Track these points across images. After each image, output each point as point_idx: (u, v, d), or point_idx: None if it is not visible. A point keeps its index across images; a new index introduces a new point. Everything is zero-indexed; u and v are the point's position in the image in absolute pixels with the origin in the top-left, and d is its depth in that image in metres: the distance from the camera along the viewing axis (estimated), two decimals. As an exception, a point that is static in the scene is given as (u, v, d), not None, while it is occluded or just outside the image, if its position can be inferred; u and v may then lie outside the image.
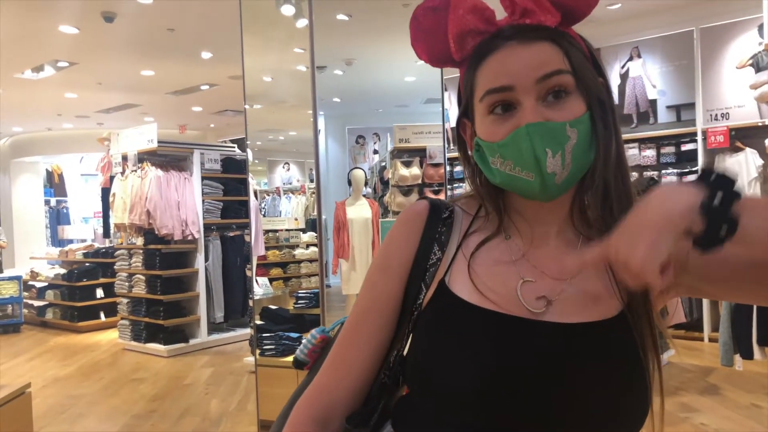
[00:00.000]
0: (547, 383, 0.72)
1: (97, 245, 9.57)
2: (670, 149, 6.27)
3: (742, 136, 5.78)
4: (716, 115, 5.93)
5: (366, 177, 7.31)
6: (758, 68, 5.50)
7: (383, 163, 7.53)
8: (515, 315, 0.76)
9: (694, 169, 6.05)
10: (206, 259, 6.94)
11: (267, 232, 6.74)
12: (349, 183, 6.65)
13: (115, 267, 7.33)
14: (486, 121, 0.78)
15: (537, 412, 0.71)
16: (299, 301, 4.55)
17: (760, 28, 5.51)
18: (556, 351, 0.74)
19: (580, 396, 0.72)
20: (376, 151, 11.60)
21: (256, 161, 10.37)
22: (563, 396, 0.72)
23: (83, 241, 10.93)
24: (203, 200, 6.90)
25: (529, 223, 0.83)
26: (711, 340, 5.80)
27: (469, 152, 0.85)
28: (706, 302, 5.86)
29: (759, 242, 0.63)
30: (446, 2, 0.80)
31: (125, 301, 7.07)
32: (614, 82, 6.58)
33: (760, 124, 5.62)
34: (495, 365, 0.73)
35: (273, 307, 4.54)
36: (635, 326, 0.75)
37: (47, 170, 12.79)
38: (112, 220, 7.02)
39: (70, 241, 11.28)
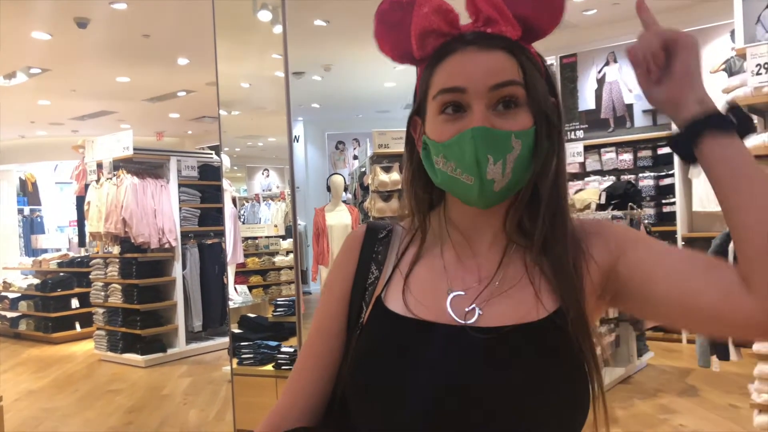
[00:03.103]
0: (474, 385, 0.73)
1: (72, 254, 9.41)
2: (647, 153, 6.34)
3: (717, 140, 5.86)
4: (691, 119, 6.00)
5: (345, 183, 7.28)
6: (731, 73, 5.58)
7: (363, 169, 7.51)
8: (444, 323, 0.78)
9: (670, 172, 6.12)
10: (184, 268, 6.86)
11: (246, 239, 6.68)
12: (329, 189, 6.62)
13: (90, 276, 7.21)
14: (436, 120, 0.80)
15: (466, 417, 0.72)
16: (278, 309, 4.50)
17: (732, 33, 5.59)
18: (482, 354, 0.75)
19: (509, 394, 0.73)
20: (356, 157, 11.59)
21: (235, 167, 10.28)
22: (493, 396, 0.72)
23: (58, 250, 10.74)
24: (180, 208, 6.83)
25: (465, 232, 0.85)
26: (689, 341, 5.85)
27: (417, 150, 0.87)
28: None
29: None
30: (410, 1, 0.81)
31: (101, 311, 6.96)
32: (591, 86, 6.64)
33: (735, 127, 5.70)
34: (423, 374, 0.75)
35: (251, 315, 4.50)
36: (568, 326, 0.76)
37: (20, 178, 12.56)
38: (88, 229, 6.91)
39: (45, 251, 11.08)
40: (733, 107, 0.76)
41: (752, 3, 4.00)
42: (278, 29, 3.82)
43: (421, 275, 0.84)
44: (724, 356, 3.92)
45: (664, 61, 0.78)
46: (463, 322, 0.78)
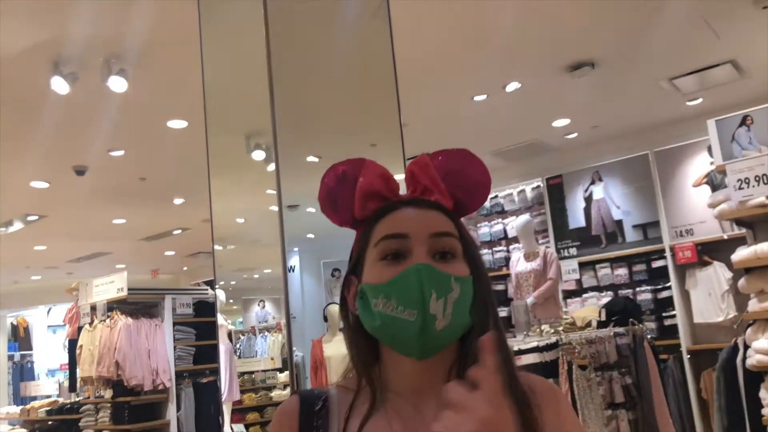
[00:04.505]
0: None
1: (61, 401, 9.06)
2: (642, 267, 6.34)
3: (709, 250, 5.89)
4: (681, 231, 6.08)
5: (342, 312, 7.20)
6: (714, 186, 5.72)
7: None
8: None
9: (666, 285, 6.09)
10: (178, 409, 6.60)
11: (242, 374, 6.49)
12: (325, 319, 6.52)
13: (80, 424, 6.90)
14: (376, 266, 0.82)
15: None
16: (277, 450, 4.27)
17: (710, 148, 5.81)
18: None
19: None
20: (351, 284, 11.54)
21: (231, 300, 10.17)
22: None
23: (48, 397, 10.37)
24: (175, 346, 6.69)
25: (409, 398, 0.82)
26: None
27: (352, 310, 0.87)
28: (697, 418, 5.68)
29: None
30: (355, 170, 0.89)
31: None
32: (579, 205, 6.78)
33: (725, 237, 5.75)
34: None
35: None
36: None
37: (12, 324, 12.39)
38: (79, 374, 6.73)
39: (34, 398, 10.68)
40: None
41: (726, 122, 4.18)
42: (272, 167, 3.94)
43: None
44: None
45: None
46: None
